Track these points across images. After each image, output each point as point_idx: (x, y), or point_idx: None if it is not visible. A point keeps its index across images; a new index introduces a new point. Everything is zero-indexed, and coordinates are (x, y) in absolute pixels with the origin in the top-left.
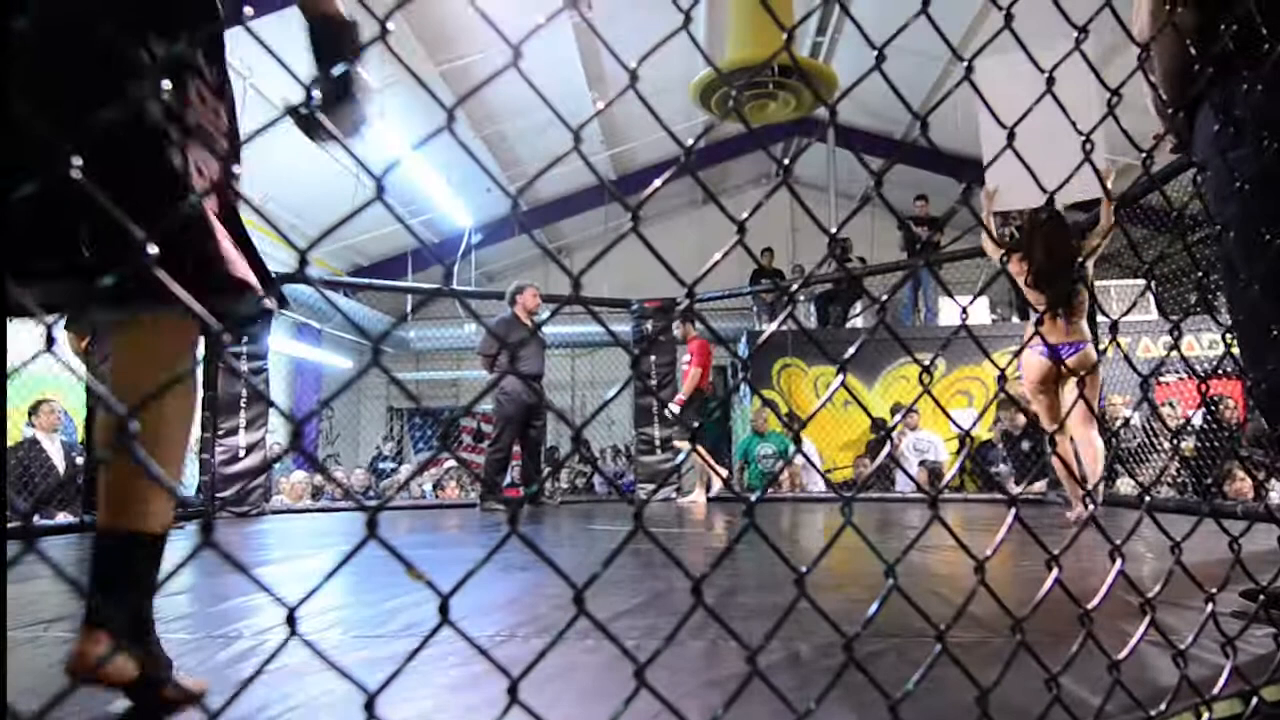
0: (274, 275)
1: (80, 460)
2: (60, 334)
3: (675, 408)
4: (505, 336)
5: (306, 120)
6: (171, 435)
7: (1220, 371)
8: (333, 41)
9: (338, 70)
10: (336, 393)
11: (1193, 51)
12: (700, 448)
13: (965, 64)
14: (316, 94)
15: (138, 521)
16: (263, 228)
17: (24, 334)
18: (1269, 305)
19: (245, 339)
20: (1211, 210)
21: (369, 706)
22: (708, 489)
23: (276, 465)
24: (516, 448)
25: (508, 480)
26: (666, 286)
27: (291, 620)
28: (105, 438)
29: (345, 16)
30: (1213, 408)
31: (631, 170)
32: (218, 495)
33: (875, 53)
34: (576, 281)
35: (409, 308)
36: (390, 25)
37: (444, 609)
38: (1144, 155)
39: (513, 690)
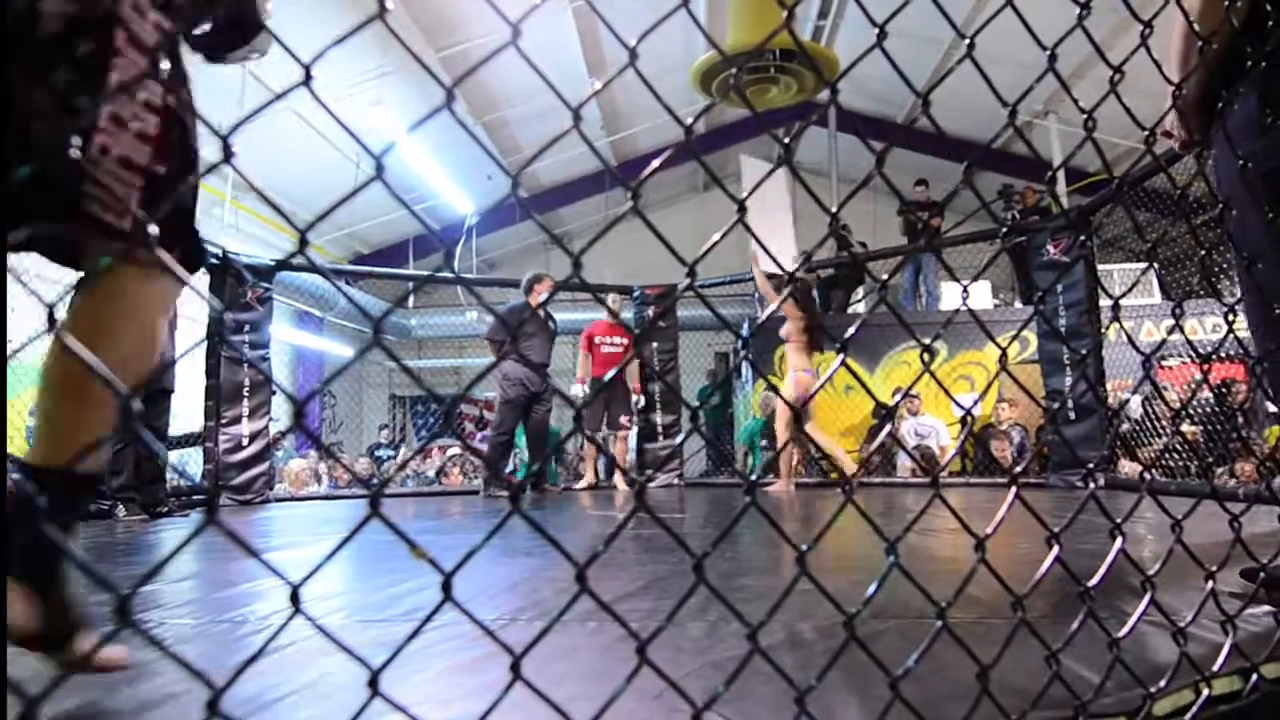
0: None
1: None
2: (62, 314)
3: (579, 390)
4: (516, 323)
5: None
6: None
7: (1222, 354)
8: None
9: None
10: (338, 371)
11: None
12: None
13: (967, 41)
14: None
15: (70, 457)
16: (263, 215)
17: (25, 315)
18: (1274, 284)
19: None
20: (1217, 188)
21: (373, 684)
22: (599, 475)
23: (279, 452)
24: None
25: (510, 467)
26: (667, 274)
27: (295, 597)
28: (62, 373)
29: None
30: (1221, 391)
31: (632, 156)
32: (221, 483)
33: (876, 31)
34: (577, 261)
35: (412, 295)
36: (389, 4)
37: (446, 587)
38: (1147, 133)
39: (515, 668)
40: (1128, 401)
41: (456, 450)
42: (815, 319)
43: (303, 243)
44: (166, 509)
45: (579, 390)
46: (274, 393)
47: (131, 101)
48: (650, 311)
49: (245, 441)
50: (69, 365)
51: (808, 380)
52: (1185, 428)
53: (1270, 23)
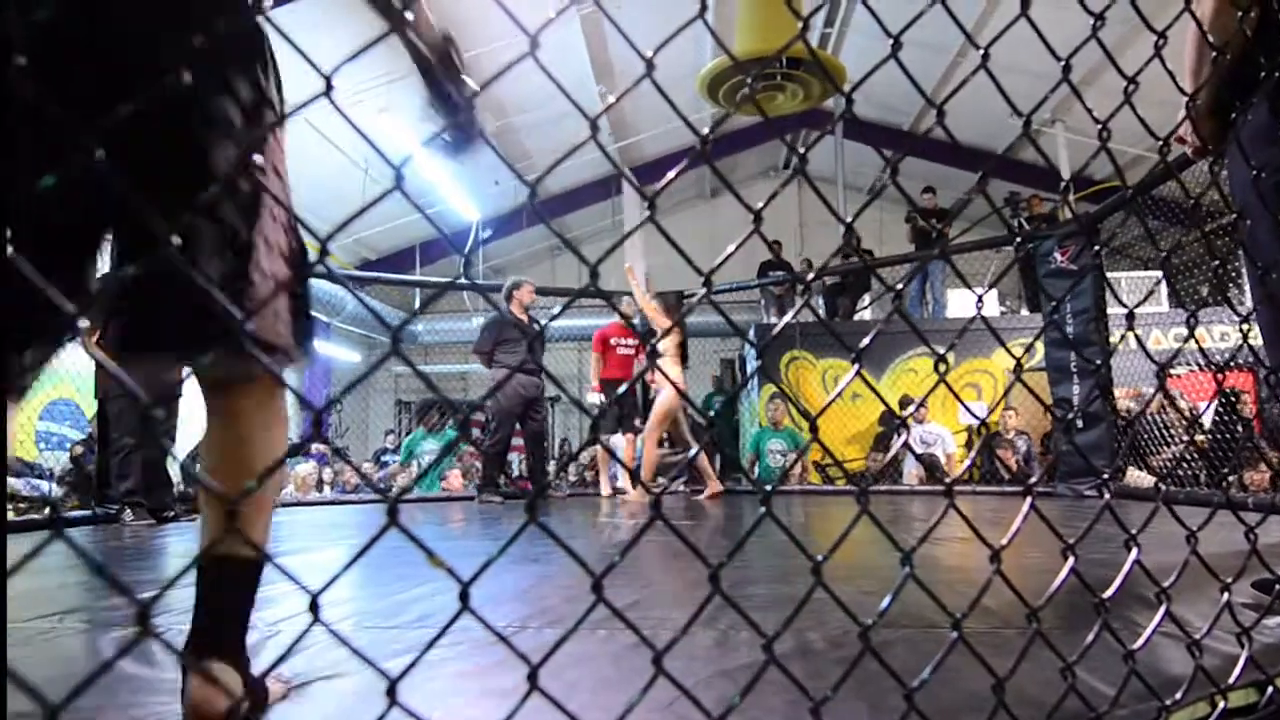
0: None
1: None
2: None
3: (597, 398)
4: (499, 332)
5: (449, 144)
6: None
7: (1234, 364)
8: (443, 62)
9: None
10: (358, 380)
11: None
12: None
13: (981, 51)
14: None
15: (239, 547)
16: None
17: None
18: None
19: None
20: (1231, 197)
21: (390, 693)
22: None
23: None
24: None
25: (516, 473)
26: (673, 279)
27: (315, 606)
28: (212, 461)
29: (445, 35)
30: (1230, 400)
31: (639, 163)
32: None
33: (891, 41)
34: (594, 270)
35: (418, 301)
36: (409, 15)
37: (464, 596)
38: (1161, 142)
39: (532, 677)
40: (1142, 412)
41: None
42: (685, 332)
43: (323, 252)
44: (173, 513)
45: (596, 399)
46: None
47: (275, 224)
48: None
49: None
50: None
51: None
52: (1197, 436)
53: None
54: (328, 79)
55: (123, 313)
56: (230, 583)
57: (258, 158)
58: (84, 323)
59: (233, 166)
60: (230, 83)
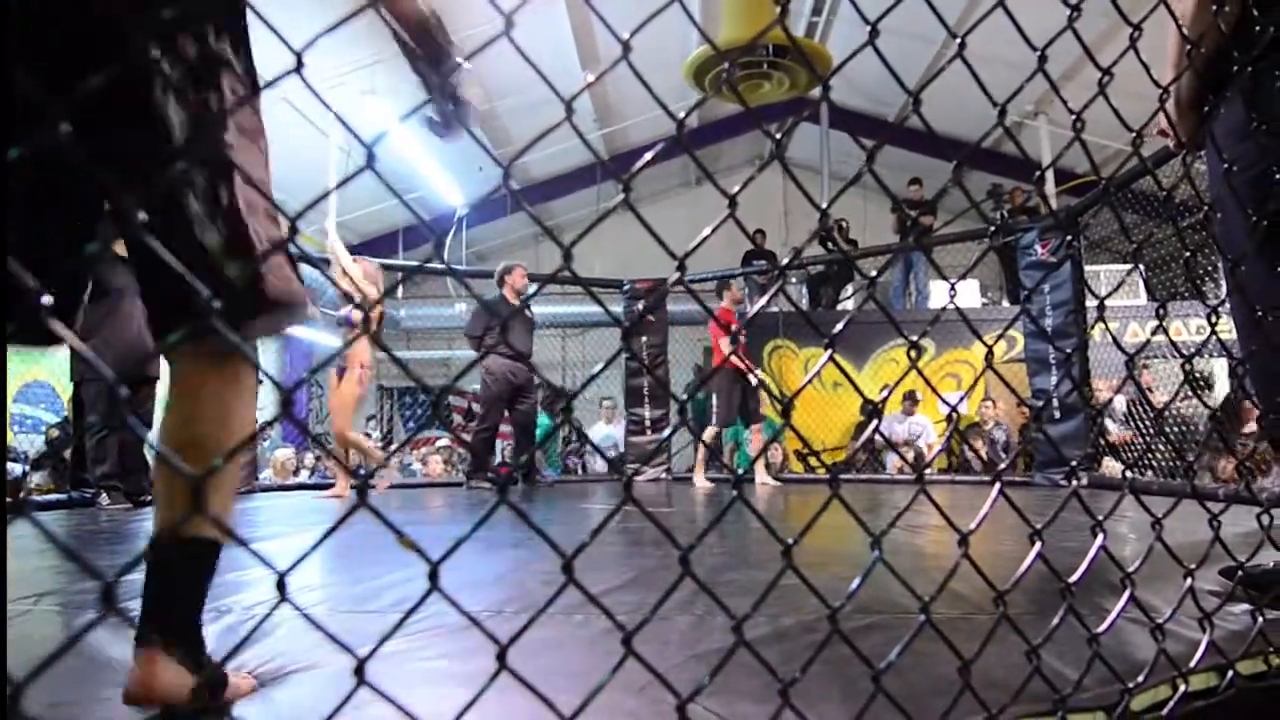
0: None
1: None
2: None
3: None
4: (489, 317)
5: (440, 123)
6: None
7: (1205, 354)
8: (432, 44)
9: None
10: (327, 360)
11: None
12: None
13: (958, 40)
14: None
15: (198, 527)
16: None
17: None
18: (1257, 286)
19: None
20: (1208, 190)
21: (359, 672)
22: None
23: (265, 441)
24: (507, 428)
25: (499, 460)
26: (658, 268)
27: (281, 585)
28: (175, 438)
29: (432, 17)
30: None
31: (624, 150)
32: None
33: (869, 28)
34: (568, 252)
35: (400, 288)
36: None
37: (433, 576)
38: (1134, 135)
39: (501, 657)
40: (1110, 401)
41: (441, 441)
42: (383, 306)
43: (293, 230)
44: (150, 497)
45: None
46: (260, 381)
47: (253, 189)
48: (640, 305)
49: None
50: (191, 440)
51: (369, 378)
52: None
53: (1258, 28)
54: (298, 55)
55: (151, 299)
56: (185, 564)
57: (228, 129)
58: (47, 299)
59: (200, 135)
60: (195, 51)
